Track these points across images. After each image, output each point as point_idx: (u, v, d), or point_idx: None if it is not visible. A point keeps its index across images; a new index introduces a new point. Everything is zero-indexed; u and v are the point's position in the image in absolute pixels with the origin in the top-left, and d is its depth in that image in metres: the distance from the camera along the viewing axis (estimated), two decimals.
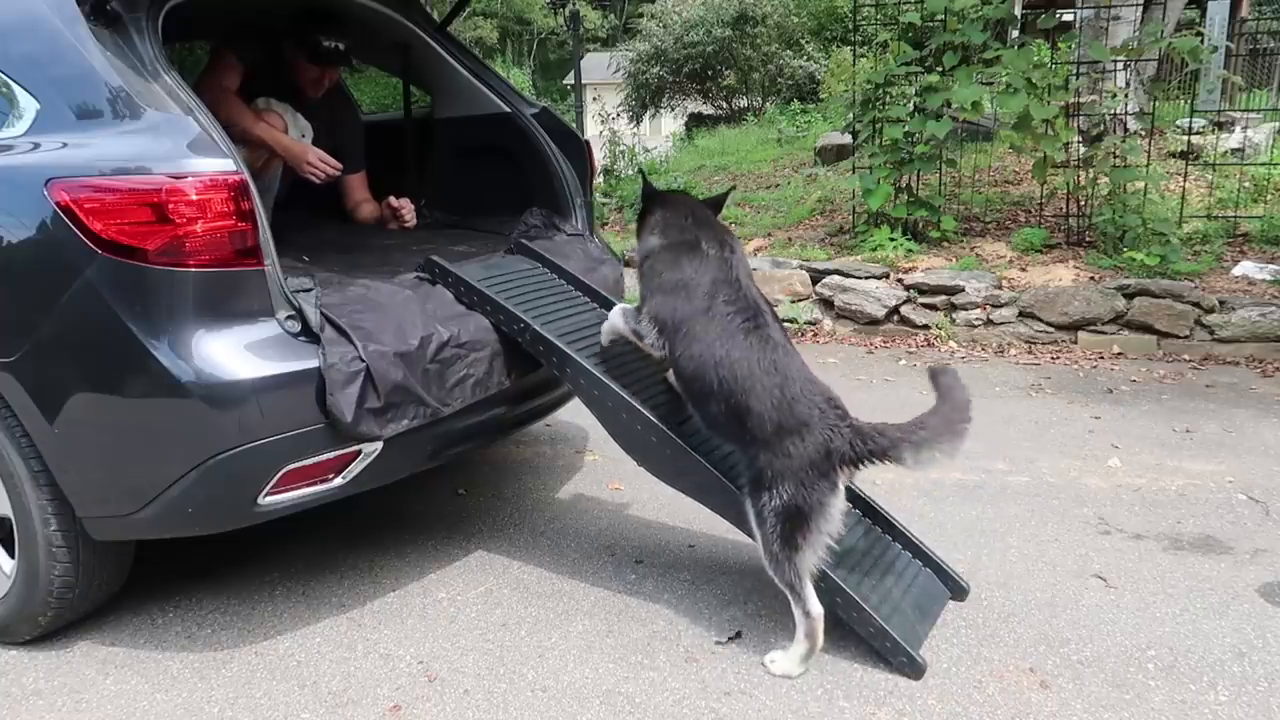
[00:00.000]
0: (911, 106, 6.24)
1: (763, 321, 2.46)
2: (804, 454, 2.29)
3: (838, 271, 5.93)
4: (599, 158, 8.16)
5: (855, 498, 2.81)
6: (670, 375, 2.72)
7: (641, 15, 18.49)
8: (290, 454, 2.34)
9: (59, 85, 2.38)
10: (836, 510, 2.31)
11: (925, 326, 5.64)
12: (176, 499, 2.29)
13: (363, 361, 2.39)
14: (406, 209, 3.69)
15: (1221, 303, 5.14)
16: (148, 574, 2.82)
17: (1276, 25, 11.03)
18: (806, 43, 15.95)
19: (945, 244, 6.28)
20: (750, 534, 2.43)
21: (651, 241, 2.66)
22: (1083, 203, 6.19)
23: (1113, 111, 6.50)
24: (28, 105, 2.39)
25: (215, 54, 3.53)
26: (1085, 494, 3.42)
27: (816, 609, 2.34)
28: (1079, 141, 6.28)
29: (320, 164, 3.42)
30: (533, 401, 3.08)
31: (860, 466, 2.33)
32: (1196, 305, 5.15)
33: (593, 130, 13.35)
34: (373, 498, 2.84)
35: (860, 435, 2.31)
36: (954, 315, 5.59)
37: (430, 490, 3.56)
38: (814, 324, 5.90)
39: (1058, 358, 5.19)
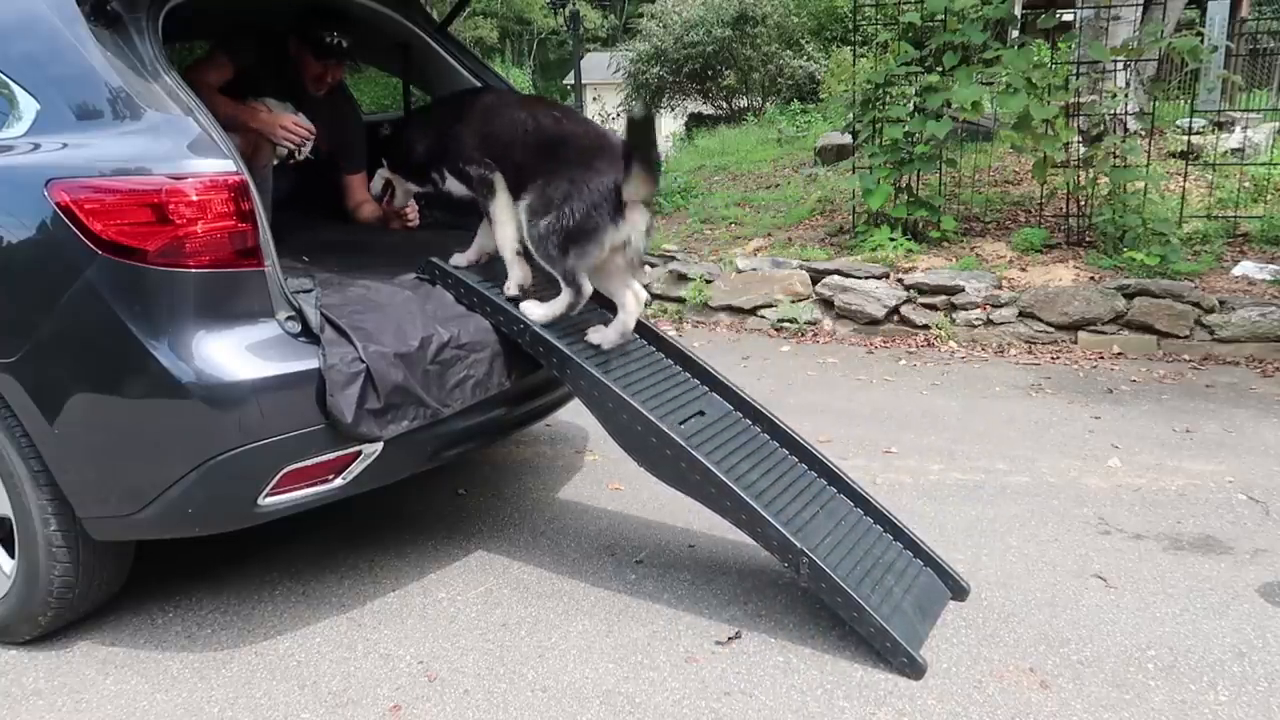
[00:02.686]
0: (911, 106, 6.24)
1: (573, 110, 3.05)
2: (603, 181, 2.64)
3: (838, 271, 5.93)
4: None
5: (856, 496, 2.82)
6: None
7: (641, 15, 18.46)
8: (290, 455, 2.34)
9: (59, 85, 2.39)
10: (614, 239, 2.69)
11: (925, 326, 5.63)
12: (177, 499, 2.29)
13: (363, 362, 2.39)
14: (410, 209, 3.69)
15: (1221, 303, 5.14)
16: (148, 574, 2.82)
17: (1276, 25, 11.03)
18: (806, 43, 15.94)
19: (945, 244, 6.28)
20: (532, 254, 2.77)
21: (422, 142, 3.07)
22: (1083, 203, 6.19)
23: (1113, 111, 6.49)
24: (28, 105, 2.39)
25: (208, 52, 3.53)
26: (1085, 494, 3.42)
27: (587, 288, 2.74)
28: (1079, 141, 6.27)
29: (294, 128, 3.36)
30: (533, 402, 3.08)
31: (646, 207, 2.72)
32: (1196, 305, 5.15)
33: None
34: (373, 498, 2.84)
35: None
36: (954, 315, 5.59)
37: (430, 490, 3.56)
38: (814, 324, 5.90)
39: (1058, 358, 5.19)
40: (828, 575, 2.42)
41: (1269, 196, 6.57)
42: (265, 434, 2.29)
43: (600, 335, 2.84)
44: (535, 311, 2.78)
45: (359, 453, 2.46)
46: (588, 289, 2.76)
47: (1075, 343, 5.34)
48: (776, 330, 5.95)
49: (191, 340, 2.24)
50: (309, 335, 2.40)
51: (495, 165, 2.89)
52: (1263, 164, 6.87)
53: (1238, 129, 7.91)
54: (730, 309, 6.19)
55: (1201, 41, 6.42)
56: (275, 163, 3.62)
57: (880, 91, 6.48)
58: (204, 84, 3.29)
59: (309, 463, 2.38)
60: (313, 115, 3.60)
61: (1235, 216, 6.20)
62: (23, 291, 2.31)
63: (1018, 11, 9.13)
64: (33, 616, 2.51)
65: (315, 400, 2.34)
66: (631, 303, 2.88)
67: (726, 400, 2.95)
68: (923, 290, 5.70)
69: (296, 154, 3.49)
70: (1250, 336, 5.03)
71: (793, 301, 5.98)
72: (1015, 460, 3.76)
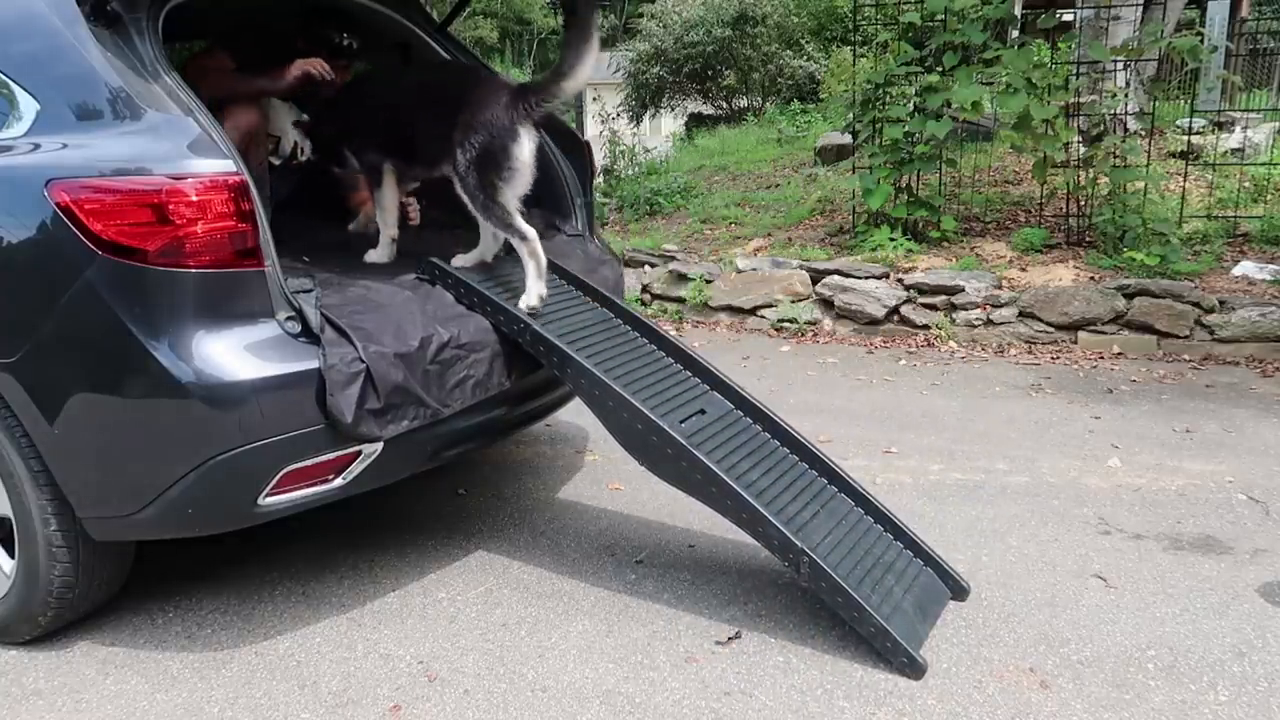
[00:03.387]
0: (911, 106, 6.24)
1: None
2: (492, 111, 2.80)
3: (838, 271, 5.93)
4: (599, 158, 8.16)
5: (857, 495, 2.82)
6: None
7: (641, 15, 18.44)
8: (290, 455, 2.34)
9: (59, 86, 2.39)
10: (525, 150, 2.83)
11: (925, 326, 5.64)
12: (177, 499, 2.29)
13: (363, 362, 2.40)
14: (411, 208, 3.69)
15: (1221, 303, 5.14)
16: (148, 574, 2.82)
17: (1276, 25, 11.03)
18: (806, 43, 15.92)
19: (945, 244, 6.28)
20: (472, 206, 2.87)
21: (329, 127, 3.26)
22: (1083, 203, 6.19)
23: (1113, 111, 6.50)
24: (28, 106, 2.39)
25: (207, 48, 3.54)
26: (1085, 494, 3.42)
27: (530, 233, 2.85)
28: (1079, 141, 6.27)
29: (320, 67, 3.39)
30: (533, 402, 3.08)
31: (536, 112, 2.84)
32: (1196, 305, 5.15)
33: (593, 130, 13.33)
34: (373, 498, 2.84)
35: (534, 90, 2.84)
36: (954, 315, 5.59)
37: (430, 490, 3.56)
38: (814, 324, 5.90)
39: (1058, 358, 5.19)
40: (828, 575, 2.42)
41: (1269, 196, 6.57)
42: (265, 434, 2.29)
43: (462, 259, 3.02)
44: (522, 303, 2.83)
45: (359, 453, 2.46)
46: (530, 231, 2.86)
47: (1075, 343, 5.34)
48: (776, 330, 5.95)
49: (191, 340, 2.24)
50: (309, 335, 2.40)
51: (385, 157, 3.15)
52: (1263, 164, 6.87)
53: (1238, 129, 7.91)
54: (730, 309, 6.19)
55: (1201, 41, 6.41)
56: (277, 163, 3.63)
57: (880, 91, 6.48)
58: (203, 68, 3.31)
59: (309, 463, 2.38)
60: None
61: (1235, 216, 6.20)
62: (23, 291, 2.31)
63: (1018, 11, 9.12)
64: (33, 616, 2.51)
65: (315, 400, 2.34)
66: (490, 241, 3.07)
67: (727, 399, 2.96)
68: (923, 290, 5.70)
69: (299, 154, 3.50)
70: (1250, 336, 5.03)
71: (793, 301, 5.98)
72: (1015, 460, 3.76)
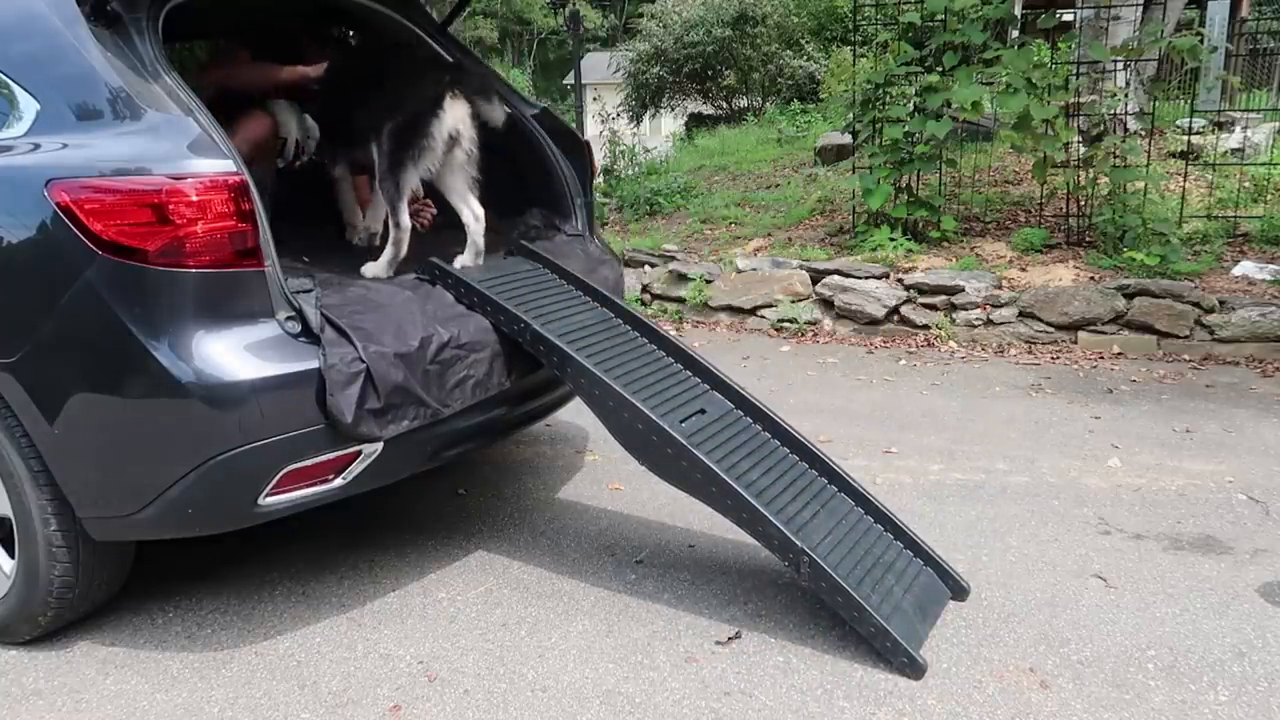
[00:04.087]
0: (911, 106, 6.24)
1: None
2: (417, 93, 2.93)
3: (838, 271, 5.93)
4: (599, 158, 8.15)
5: (857, 495, 2.82)
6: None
7: (641, 15, 18.44)
8: (290, 455, 2.34)
9: (59, 86, 2.39)
10: (440, 131, 2.93)
11: (925, 326, 5.63)
12: (177, 499, 2.29)
13: (363, 362, 2.40)
14: (427, 208, 3.66)
15: (1221, 303, 5.13)
16: (148, 574, 2.82)
17: (1276, 25, 11.03)
18: (806, 43, 15.92)
19: (945, 244, 6.28)
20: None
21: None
22: (1083, 203, 6.19)
23: (1113, 111, 6.49)
24: (28, 106, 2.39)
25: (221, 47, 3.56)
26: (1085, 494, 3.42)
27: (405, 222, 2.98)
28: (1079, 141, 6.27)
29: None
30: (533, 402, 3.08)
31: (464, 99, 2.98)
32: (1196, 305, 5.15)
33: (593, 130, 13.31)
34: (373, 498, 2.85)
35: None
36: (954, 315, 5.59)
37: (430, 490, 3.56)
38: (814, 324, 5.90)
39: (1058, 358, 5.19)
40: (828, 574, 2.42)
41: (1269, 196, 6.57)
42: (265, 434, 2.29)
43: (461, 259, 3.08)
44: (370, 269, 2.99)
45: (359, 453, 2.46)
46: (406, 222, 3.03)
47: (1075, 343, 5.34)
48: (776, 330, 5.95)
49: (191, 340, 2.24)
50: (309, 335, 2.40)
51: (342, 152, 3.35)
52: (1263, 164, 6.87)
53: (1238, 129, 7.91)
54: (730, 309, 6.19)
55: (1201, 41, 6.41)
56: (280, 165, 3.63)
57: (880, 91, 6.48)
58: (236, 63, 3.35)
59: (309, 463, 2.38)
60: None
61: (1235, 216, 6.20)
62: (23, 292, 2.31)
63: (1018, 11, 9.13)
64: (33, 616, 2.51)
65: (315, 400, 2.35)
66: (472, 221, 3.12)
67: (727, 399, 2.96)
68: (923, 290, 5.70)
69: (301, 156, 3.51)
70: (1250, 336, 5.03)
71: (793, 301, 5.98)
72: (1015, 460, 3.76)
